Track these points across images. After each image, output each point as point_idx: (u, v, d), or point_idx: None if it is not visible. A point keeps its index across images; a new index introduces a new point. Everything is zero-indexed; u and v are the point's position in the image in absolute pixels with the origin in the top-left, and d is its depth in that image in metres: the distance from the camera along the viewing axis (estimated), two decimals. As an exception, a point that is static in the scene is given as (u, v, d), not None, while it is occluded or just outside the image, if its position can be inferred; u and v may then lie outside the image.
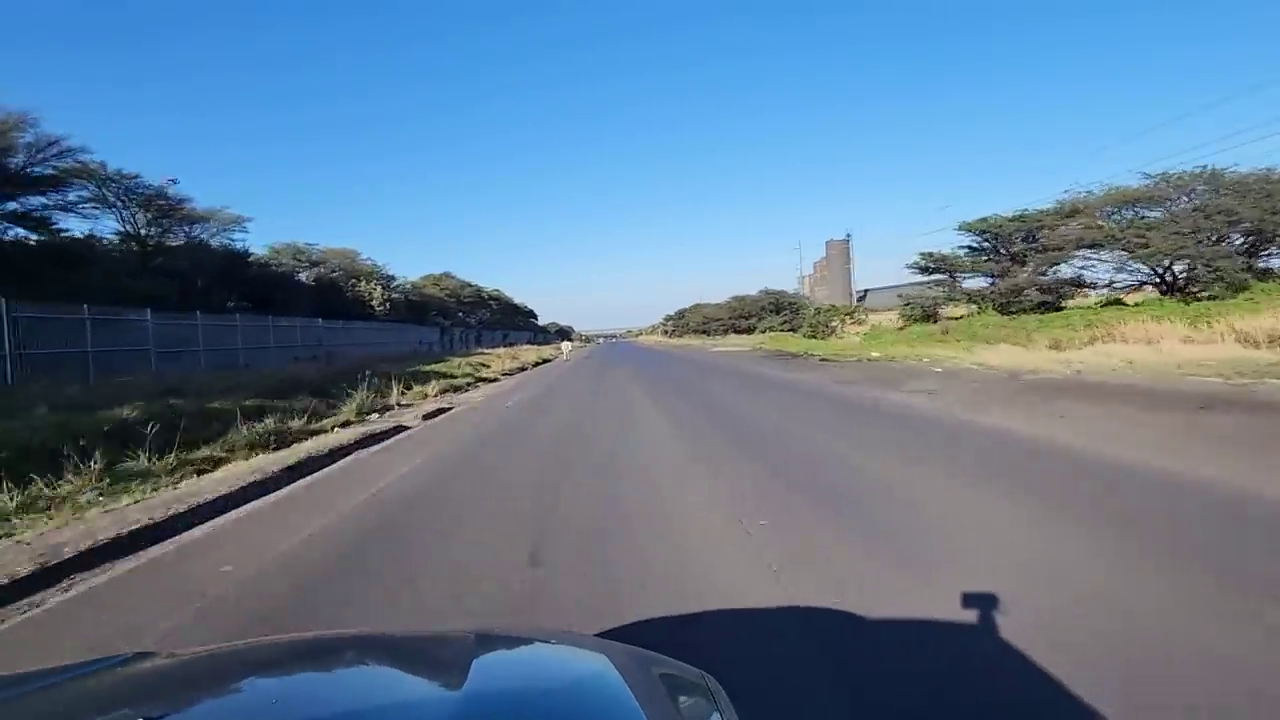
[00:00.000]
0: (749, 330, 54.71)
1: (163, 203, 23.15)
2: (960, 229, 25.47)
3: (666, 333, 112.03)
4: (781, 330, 47.04)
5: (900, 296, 53.38)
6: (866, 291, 55.67)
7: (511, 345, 57.15)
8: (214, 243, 28.85)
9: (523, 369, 29.18)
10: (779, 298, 55.62)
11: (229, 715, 0.85)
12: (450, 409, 12.67)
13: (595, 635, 1.83)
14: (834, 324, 47.19)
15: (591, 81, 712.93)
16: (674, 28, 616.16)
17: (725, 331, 61.25)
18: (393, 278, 44.10)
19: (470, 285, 60.31)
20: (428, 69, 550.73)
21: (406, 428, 10.02)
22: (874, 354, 21.36)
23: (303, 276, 33.60)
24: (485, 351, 38.65)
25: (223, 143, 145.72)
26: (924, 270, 28.51)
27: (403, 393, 13.58)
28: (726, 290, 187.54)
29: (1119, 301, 20.98)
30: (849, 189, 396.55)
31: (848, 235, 57.95)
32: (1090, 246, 20.38)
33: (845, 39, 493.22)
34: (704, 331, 72.11)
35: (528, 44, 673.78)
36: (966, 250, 26.54)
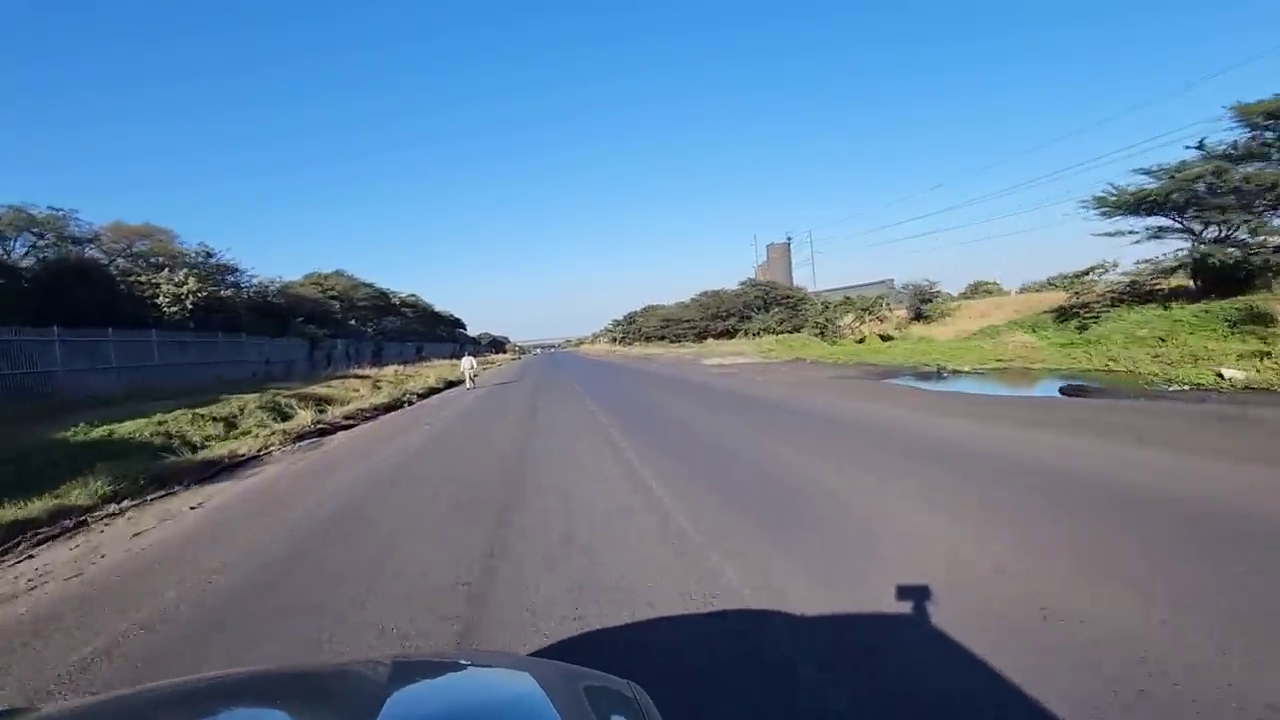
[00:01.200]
0: (728, 334, 42.48)
1: None
2: (1235, 111, 13.46)
3: (616, 340, 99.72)
4: (783, 331, 35.77)
5: (904, 288, 44.86)
6: (806, 294, 50.63)
7: (423, 360, 44.70)
8: None
9: (395, 406, 16.88)
10: (768, 290, 42.69)
11: None
12: None
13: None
14: (842, 322, 37.12)
15: (539, 87, 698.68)
16: (630, 36, 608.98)
17: (700, 336, 47.77)
18: (235, 269, 30.73)
19: (367, 285, 46.77)
20: (388, 72, 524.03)
21: None
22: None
23: (21, 261, 20.11)
24: (365, 374, 26.13)
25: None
26: (1130, 208, 15.42)
27: None
28: (674, 294, 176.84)
29: None
30: (797, 194, 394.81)
31: (788, 238, 56.53)
32: None
33: (786, 45, 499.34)
34: (662, 337, 60.17)
35: (480, 43, 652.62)
36: (1243, 162, 13.54)
